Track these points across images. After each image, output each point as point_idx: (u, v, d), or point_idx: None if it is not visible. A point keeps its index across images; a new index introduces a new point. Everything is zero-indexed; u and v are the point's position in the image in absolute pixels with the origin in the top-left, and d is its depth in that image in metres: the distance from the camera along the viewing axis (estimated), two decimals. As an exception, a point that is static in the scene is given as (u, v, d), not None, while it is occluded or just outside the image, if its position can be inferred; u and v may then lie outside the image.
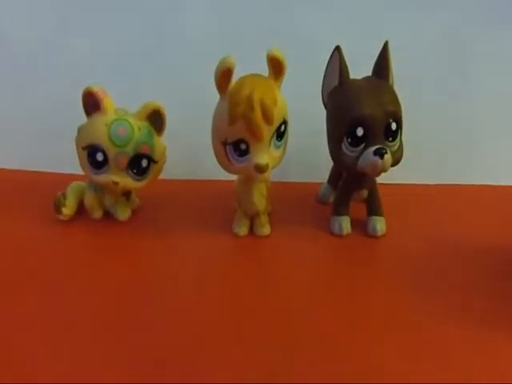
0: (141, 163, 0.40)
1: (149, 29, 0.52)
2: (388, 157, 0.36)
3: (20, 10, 0.51)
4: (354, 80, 0.39)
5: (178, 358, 0.27)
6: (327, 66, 0.40)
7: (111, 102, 0.39)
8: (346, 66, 0.38)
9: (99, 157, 0.39)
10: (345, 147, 0.37)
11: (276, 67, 0.35)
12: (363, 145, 0.37)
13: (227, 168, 0.38)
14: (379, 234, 0.41)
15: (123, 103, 0.40)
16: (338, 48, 0.38)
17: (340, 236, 0.41)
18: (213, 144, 0.38)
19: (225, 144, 0.36)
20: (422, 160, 0.51)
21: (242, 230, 0.41)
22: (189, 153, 0.52)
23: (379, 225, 0.41)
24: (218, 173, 0.39)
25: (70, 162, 0.42)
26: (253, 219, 0.41)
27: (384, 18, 0.52)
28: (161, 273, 0.35)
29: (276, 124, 0.35)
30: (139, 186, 0.41)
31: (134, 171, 0.40)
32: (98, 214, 0.43)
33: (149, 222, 0.43)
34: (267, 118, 0.34)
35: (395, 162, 0.38)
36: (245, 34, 0.51)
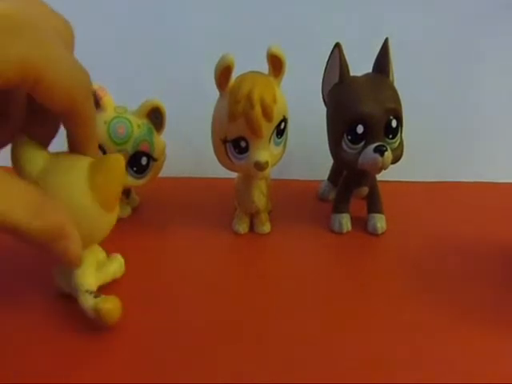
0: (140, 161, 0.40)
1: (149, 27, 0.52)
2: (388, 154, 0.36)
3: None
4: (354, 77, 0.38)
5: (177, 357, 0.27)
6: (327, 63, 0.40)
7: (111, 100, 0.39)
8: (346, 63, 0.38)
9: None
10: (345, 144, 0.37)
11: (276, 64, 0.35)
12: (363, 142, 0.37)
13: (227, 166, 0.38)
14: (379, 231, 0.41)
15: (123, 101, 0.40)
16: (338, 45, 0.38)
17: (340, 233, 0.41)
18: (212, 142, 0.38)
19: (224, 141, 0.36)
20: (422, 157, 0.51)
21: (242, 228, 0.41)
22: (188, 151, 0.52)
23: (380, 222, 0.41)
24: (218, 171, 0.39)
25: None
26: (253, 217, 0.41)
27: (384, 15, 0.52)
28: (160, 271, 0.35)
29: (276, 121, 0.35)
30: (139, 184, 0.41)
31: (134, 169, 0.40)
32: (97, 212, 0.43)
33: (148, 220, 0.43)
34: (267, 115, 0.34)
35: (395, 160, 0.38)
36: (245, 32, 0.51)
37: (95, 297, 0.28)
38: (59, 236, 0.24)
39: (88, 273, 0.30)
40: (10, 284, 0.33)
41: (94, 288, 0.30)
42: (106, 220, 0.28)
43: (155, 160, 0.40)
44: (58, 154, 0.28)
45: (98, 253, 0.32)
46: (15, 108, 0.27)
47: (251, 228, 0.41)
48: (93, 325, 0.28)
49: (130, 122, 0.38)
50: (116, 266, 0.33)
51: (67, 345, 0.27)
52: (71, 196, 0.26)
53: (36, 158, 0.27)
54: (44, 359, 0.26)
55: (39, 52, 0.23)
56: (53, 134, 0.29)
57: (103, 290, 0.31)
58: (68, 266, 0.27)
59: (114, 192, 0.28)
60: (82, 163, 0.27)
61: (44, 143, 0.28)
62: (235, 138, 0.36)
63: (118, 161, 0.28)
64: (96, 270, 0.31)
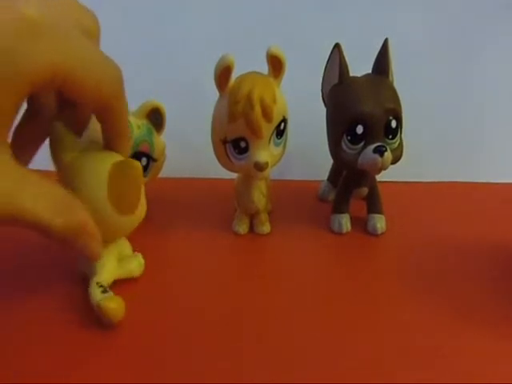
0: (140, 161, 0.39)
1: (148, 27, 0.52)
2: (388, 154, 0.36)
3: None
4: (354, 77, 0.38)
5: (176, 356, 0.27)
6: (327, 63, 0.40)
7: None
8: (345, 64, 0.38)
9: (99, 155, 0.39)
10: (344, 145, 0.37)
11: (275, 65, 0.35)
12: (363, 142, 0.37)
13: (227, 166, 0.38)
14: (379, 231, 0.41)
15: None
16: (337, 45, 0.38)
17: (340, 234, 0.41)
18: (212, 142, 0.38)
19: (224, 142, 0.36)
20: (422, 157, 0.51)
21: (242, 229, 0.41)
22: (188, 151, 0.52)
23: (379, 223, 0.41)
24: (218, 171, 0.39)
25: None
26: (253, 217, 0.41)
27: (384, 15, 0.52)
28: (160, 271, 0.35)
29: (276, 122, 0.35)
30: (139, 185, 0.41)
31: (134, 169, 0.40)
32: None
33: (148, 220, 0.42)
34: (267, 115, 0.34)
35: (395, 160, 0.38)
36: (244, 32, 0.51)
37: (103, 292, 0.29)
38: (80, 233, 0.25)
39: (107, 265, 0.31)
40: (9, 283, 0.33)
41: (108, 281, 0.31)
42: (124, 222, 0.29)
43: (155, 160, 0.40)
44: (89, 148, 0.29)
45: (124, 246, 0.34)
46: (46, 104, 0.28)
47: (251, 228, 0.41)
48: (95, 322, 0.29)
49: (129, 122, 0.38)
50: (135, 264, 0.34)
51: (68, 343, 0.27)
52: (92, 199, 0.27)
53: (70, 146, 0.28)
54: (44, 358, 0.26)
55: (64, 51, 0.23)
56: (83, 126, 0.30)
57: (116, 285, 0.32)
58: (88, 260, 0.28)
59: (132, 198, 0.29)
60: (106, 166, 0.28)
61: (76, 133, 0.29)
62: (235, 138, 0.36)
63: (136, 168, 0.28)
64: (117, 262, 0.32)
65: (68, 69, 0.23)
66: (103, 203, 0.27)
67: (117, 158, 0.28)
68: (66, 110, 0.28)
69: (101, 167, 0.28)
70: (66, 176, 0.28)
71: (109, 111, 0.27)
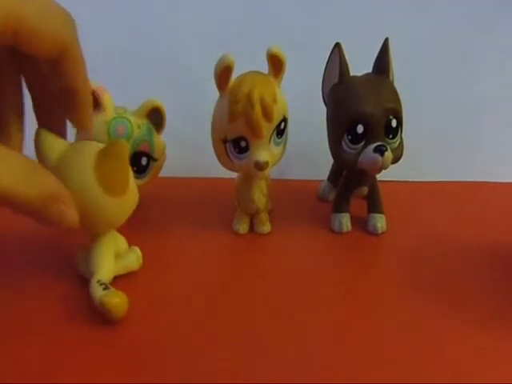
0: (140, 161, 0.40)
1: (149, 27, 0.52)
2: (388, 154, 0.36)
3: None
4: (354, 77, 0.39)
5: (175, 356, 0.27)
6: (327, 63, 0.40)
7: (111, 100, 0.39)
8: (346, 63, 0.38)
9: (99, 155, 0.39)
10: (345, 144, 0.37)
11: (276, 64, 0.35)
12: (363, 142, 0.37)
13: (227, 165, 0.38)
14: (379, 231, 0.41)
15: (123, 101, 0.40)
16: (338, 45, 0.38)
17: (340, 233, 0.41)
18: (213, 142, 0.38)
19: (225, 141, 0.36)
20: (422, 157, 0.51)
21: (243, 228, 0.41)
22: (189, 151, 0.51)
23: (379, 222, 0.41)
24: (218, 170, 0.39)
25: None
26: (253, 217, 0.41)
27: (384, 15, 0.52)
28: (160, 270, 0.35)
29: (276, 121, 0.35)
30: (139, 184, 0.40)
31: (134, 169, 0.39)
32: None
33: (148, 220, 0.42)
34: (267, 115, 0.34)
35: (396, 159, 0.38)
36: (245, 32, 0.51)
37: (104, 289, 0.29)
38: (52, 202, 0.24)
39: (105, 262, 0.31)
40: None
41: (108, 278, 0.31)
42: (116, 205, 0.29)
43: (155, 160, 0.40)
44: (75, 143, 0.29)
45: (120, 242, 0.34)
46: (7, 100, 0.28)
47: (251, 228, 0.41)
48: (94, 321, 0.29)
49: (129, 122, 0.38)
50: (133, 258, 0.34)
51: (68, 343, 0.27)
52: (81, 185, 0.27)
53: (54, 146, 0.28)
54: (44, 358, 0.26)
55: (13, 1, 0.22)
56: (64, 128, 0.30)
57: (117, 281, 0.32)
58: (65, 228, 0.27)
59: (120, 178, 0.29)
60: (92, 152, 0.28)
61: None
62: (235, 137, 0.36)
63: (121, 147, 0.29)
64: (115, 259, 0.32)
65: (21, 16, 0.22)
66: (93, 187, 0.27)
67: (97, 147, 0.29)
68: (49, 115, 0.29)
69: (87, 154, 0.28)
70: (55, 174, 0.28)
71: (69, 58, 0.26)
